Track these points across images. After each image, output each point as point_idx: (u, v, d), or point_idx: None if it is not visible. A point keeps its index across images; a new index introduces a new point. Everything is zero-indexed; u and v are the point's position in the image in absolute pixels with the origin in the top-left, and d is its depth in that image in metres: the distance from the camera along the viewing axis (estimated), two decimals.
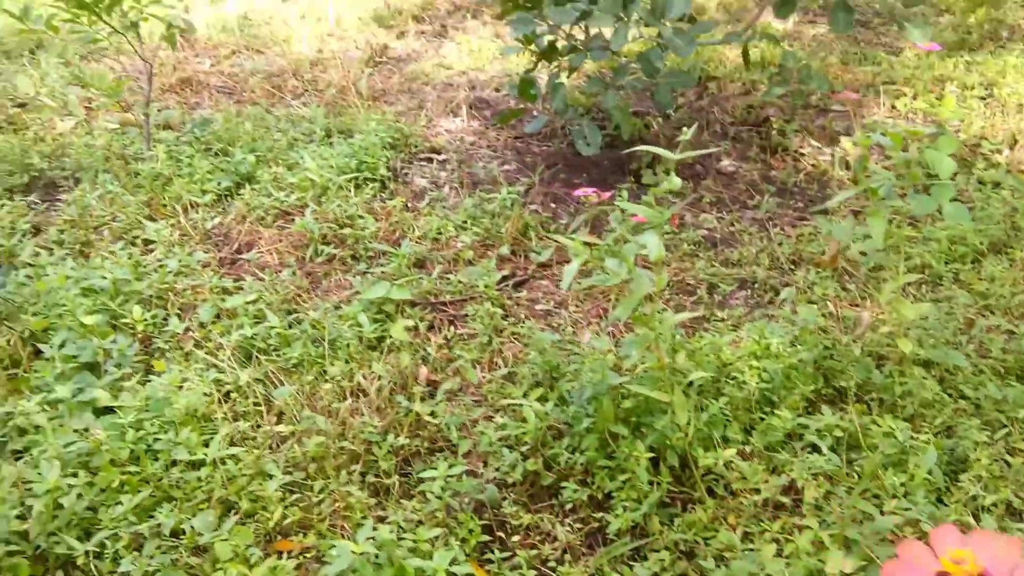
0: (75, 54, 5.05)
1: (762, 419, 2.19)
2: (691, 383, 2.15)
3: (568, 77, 4.23)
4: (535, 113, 4.41)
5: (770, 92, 3.80)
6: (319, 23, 6.39)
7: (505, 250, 3.20)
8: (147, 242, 3.17)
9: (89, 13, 3.52)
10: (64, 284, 2.63)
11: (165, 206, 3.45)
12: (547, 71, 4.28)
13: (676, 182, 1.93)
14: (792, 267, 3.08)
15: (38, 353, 2.49)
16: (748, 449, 2.11)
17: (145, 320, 2.57)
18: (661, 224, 1.94)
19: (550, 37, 3.93)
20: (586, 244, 1.97)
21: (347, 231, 3.25)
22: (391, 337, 2.60)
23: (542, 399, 2.26)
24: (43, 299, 2.64)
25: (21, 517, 1.90)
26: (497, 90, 5.11)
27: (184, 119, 4.33)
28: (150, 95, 3.89)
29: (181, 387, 2.25)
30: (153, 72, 3.93)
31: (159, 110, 4.35)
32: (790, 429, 2.13)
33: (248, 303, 2.68)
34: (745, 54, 3.93)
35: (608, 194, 2.11)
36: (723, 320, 2.71)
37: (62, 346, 2.40)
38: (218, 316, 2.67)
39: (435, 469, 2.01)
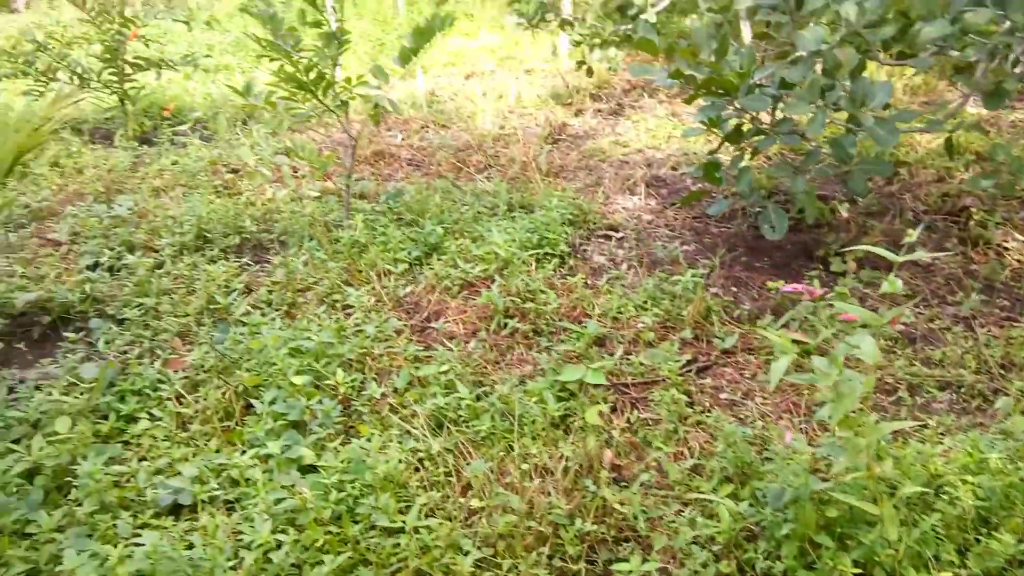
0: (284, 125, 5.51)
1: (979, 541, 2.02)
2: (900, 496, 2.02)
3: (751, 159, 4.19)
4: (715, 194, 4.38)
5: (976, 183, 3.60)
6: (500, 100, 6.67)
7: (687, 334, 3.17)
8: (346, 306, 3.36)
9: (306, 92, 3.84)
10: (276, 344, 2.82)
11: (361, 272, 3.66)
12: (729, 152, 4.26)
13: (897, 285, 1.85)
14: (1003, 372, 2.86)
15: (249, 407, 2.67)
16: (964, 573, 1.95)
17: (346, 383, 2.72)
18: (878, 328, 1.86)
19: (735, 120, 3.91)
20: (794, 342, 1.92)
21: (529, 305, 3.32)
22: (576, 415, 2.61)
23: (733, 496, 2.20)
24: (256, 356, 2.84)
25: (233, 568, 2.02)
26: (674, 169, 5.13)
27: (378, 190, 4.61)
28: (352, 168, 4.17)
29: (380, 451, 2.35)
30: (355, 146, 4.22)
31: (356, 180, 4.66)
32: (1011, 555, 1.96)
33: (440, 373, 2.77)
34: (949, 145, 3.76)
35: (819, 292, 2.05)
36: (930, 427, 2.54)
37: (272, 403, 2.57)
38: (411, 383, 2.78)
39: (627, 562, 1.98)
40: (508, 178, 4.83)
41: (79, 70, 5.18)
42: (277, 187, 4.57)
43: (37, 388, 2.76)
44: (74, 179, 4.76)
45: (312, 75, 3.70)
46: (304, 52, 3.78)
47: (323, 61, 3.80)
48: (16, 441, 2.48)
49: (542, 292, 3.43)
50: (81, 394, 2.69)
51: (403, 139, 5.69)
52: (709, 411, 2.69)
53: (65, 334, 3.13)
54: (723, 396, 2.83)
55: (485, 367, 2.94)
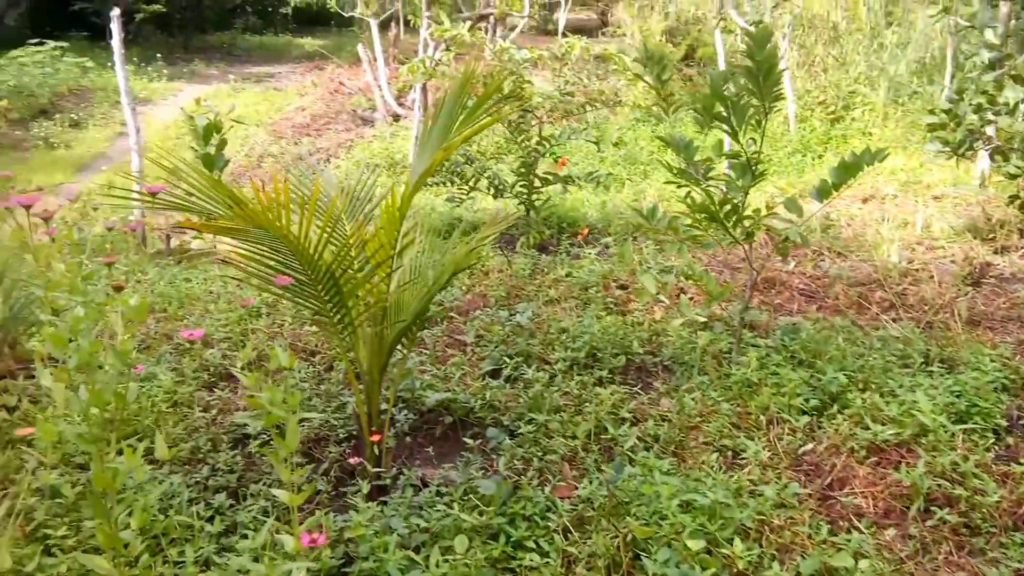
0: (682, 250, 5.50)
1: None
2: None
3: None
4: None
5: None
6: (905, 228, 6.08)
7: None
8: (736, 454, 3.12)
9: (714, 223, 3.74)
10: (668, 493, 2.66)
11: (751, 414, 3.39)
12: None
13: None
14: None
15: (636, 558, 2.52)
16: None
17: (743, 556, 2.45)
18: None
19: None
20: None
21: (959, 492, 2.80)
22: None
23: None
24: (645, 503, 2.70)
25: None
26: None
27: (769, 321, 4.34)
28: (749, 300, 3.96)
29: None
30: (756, 279, 4.01)
31: (746, 307, 4.44)
32: None
33: (855, 567, 2.39)
34: None
35: None
36: None
37: (665, 564, 2.39)
38: (819, 571, 2.43)
39: None
40: (921, 323, 4.28)
41: (497, 182, 5.67)
42: (665, 308, 4.51)
43: (438, 494, 2.88)
44: (480, 281, 5.15)
45: (726, 208, 3.59)
46: (714, 180, 3.70)
47: (734, 192, 3.69)
48: (416, 550, 2.57)
49: (975, 476, 2.88)
50: (476, 509, 2.74)
51: (795, 266, 5.37)
52: None
53: (464, 439, 3.26)
54: None
55: (908, 566, 2.49)
